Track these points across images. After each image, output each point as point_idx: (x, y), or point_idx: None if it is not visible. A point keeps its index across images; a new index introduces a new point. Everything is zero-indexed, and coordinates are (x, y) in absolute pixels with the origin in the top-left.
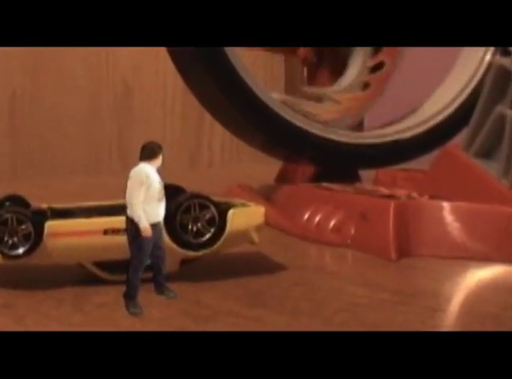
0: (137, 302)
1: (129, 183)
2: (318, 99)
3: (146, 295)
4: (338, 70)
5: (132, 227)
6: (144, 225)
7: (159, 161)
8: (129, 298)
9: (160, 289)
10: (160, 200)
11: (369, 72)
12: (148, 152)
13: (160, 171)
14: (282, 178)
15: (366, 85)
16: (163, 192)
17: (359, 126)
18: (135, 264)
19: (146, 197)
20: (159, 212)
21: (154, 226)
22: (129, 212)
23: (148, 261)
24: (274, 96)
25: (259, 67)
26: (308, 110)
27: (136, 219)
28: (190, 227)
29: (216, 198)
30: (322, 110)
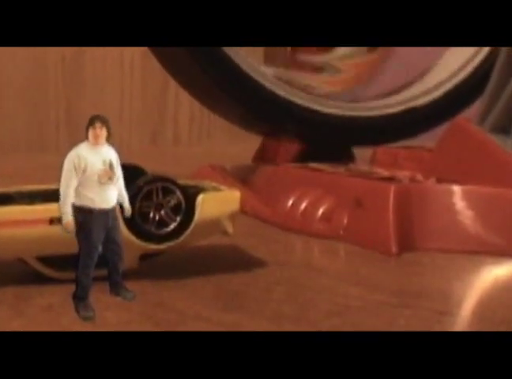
0: (89, 304)
1: (62, 169)
2: (316, 68)
3: (100, 296)
4: None
5: (77, 215)
6: (67, 221)
7: (94, 137)
8: (80, 299)
9: (117, 289)
10: (103, 183)
11: None
12: (85, 129)
13: (115, 149)
14: (261, 158)
15: (371, 48)
16: (110, 173)
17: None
18: (84, 260)
19: (83, 181)
20: (106, 196)
21: (102, 213)
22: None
23: (97, 254)
24: (265, 71)
25: None
26: (306, 83)
27: (61, 210)
28: (151, 215)
29: (182, 181)
30: (322, 82)
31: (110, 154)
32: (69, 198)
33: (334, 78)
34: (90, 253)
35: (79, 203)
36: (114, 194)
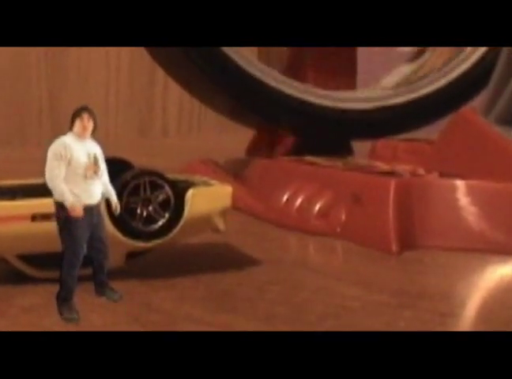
0: (73, 305)
1: (47, 159)
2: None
3: (85, 297)
4: None
5: (61, 212)
6: (72, 202)
7: (81, 129)
8: (63, 300)
9: (102, 289)
10: (88, 177)
11: None
12: (70, 120)
13: (99, 141)
14: (254, 151)
15: None
16: (95, 167)
17: (349, 85)
18: (68, 259)
19: (68, 175)
20: (92, 192)
21: (88, 210)
22: (53, 193)
23: (83, 253)
24: (384, 84)
25: None
26: (424, 71)
27: (59, 198)
28: (138, 211)
29: (171, 175)
30: (433, 60)
31: (94, 148)
32: (61, 183)
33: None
34: (75, 252)
35: (63, 199)
36: (99, 189)
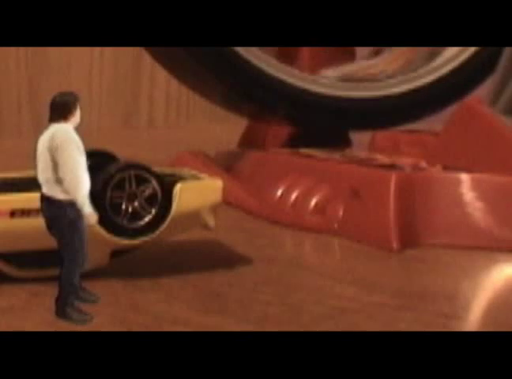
0: (78, 306)
1: (66, 151)
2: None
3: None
4: None
5: (70, 211)
6: (90, 209)
7: (77, 118)
8: (71, 304)
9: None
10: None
11: None
12: (62, 109)
13: (81, 131)
14: (248, 143)
15: None
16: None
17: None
18: (73, 257)
19: None
20: (88, 183)
21: None
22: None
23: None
24: (326, 75)
25: None
26: (370, 72)
27: (79, 201)
28: (123, 206)
29: (158, 169)
30: (385, 63)
31: None
32: (85, 183)
33: (396, 55)
34: (82, 249)
35: (69, 196)
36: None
